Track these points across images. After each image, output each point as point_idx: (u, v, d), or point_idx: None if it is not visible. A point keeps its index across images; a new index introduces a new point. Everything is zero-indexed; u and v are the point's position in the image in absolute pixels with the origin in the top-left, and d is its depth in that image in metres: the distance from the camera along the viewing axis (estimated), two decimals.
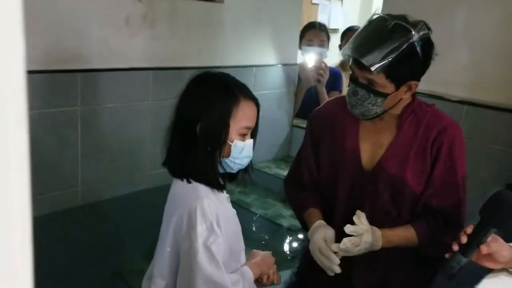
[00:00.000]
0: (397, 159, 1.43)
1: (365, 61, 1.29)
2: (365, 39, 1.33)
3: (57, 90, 2.12)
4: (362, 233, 1.34)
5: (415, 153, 1.44)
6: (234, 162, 1.26)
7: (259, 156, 3.21)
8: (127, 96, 2.39)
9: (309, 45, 3.22)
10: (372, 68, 1.29)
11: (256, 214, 2.73)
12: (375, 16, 1.38)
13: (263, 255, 1.41)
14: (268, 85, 3.16)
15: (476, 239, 1.18)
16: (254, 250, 1.44)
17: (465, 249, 1.19)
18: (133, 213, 2.31)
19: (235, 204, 2.73)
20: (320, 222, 1.50)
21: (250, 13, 2.93)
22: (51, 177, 2.18)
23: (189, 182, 1.25)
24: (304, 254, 1.84)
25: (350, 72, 1.41)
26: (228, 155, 1.24)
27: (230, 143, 1.23)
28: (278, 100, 3.26)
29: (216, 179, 1.27)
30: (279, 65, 3.21)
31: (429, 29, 1.34)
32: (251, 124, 1.26)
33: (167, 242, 1.23)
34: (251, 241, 1.56)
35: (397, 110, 1.45)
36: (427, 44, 1.34)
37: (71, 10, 2.10)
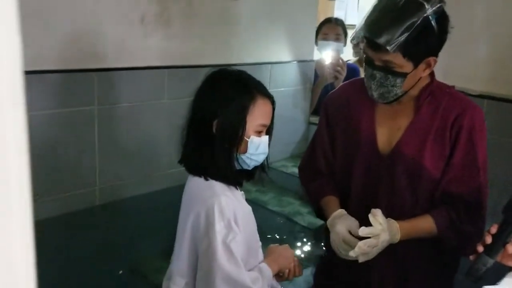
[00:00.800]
0: (415, 143, 1.39)
1: (380, 40, 1.25)
2: (378, 18, 1.29)
3: (73, 90, 2.14)
4: (378, 234, 1.31)
5: (433, 137, 1.40)
6: (250, 159, 1.26)
7: (275, 155, 3.19)
8: (143, 95, 2.39)
9: (324, 39, 3.19)
10: (388, 47, 1.24)
11: (273, 212, 2.71)
12: None
13: (280, 250, 1.40)
14: (284, 82, 3.14)
15: (501, 238, 1.14)
16: (271, 246, 1.43)
17: (490, 250, 1.15)
18: (151, 212, 2.31)
19: (252, 202, 2.73)
20: (341, 211, 1.46)
21: (265, 9, 2.91)
22: (69, 177, 2.20)
23: (206, 179, 1.25)
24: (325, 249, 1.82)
25: (364, 55, 1.37)
26: (245, 152, 1.25)
27: (247, 139, 1.23)
28: (294, 98, 3.24)
29: (233, 176, 1.27)
30: (295, 62, 3.18)
31: (442, 1, 1.29)
32: (267, 121, 1.27)
33: (185, 241, 1.24)
34: (268, 240, 1.55)
35: (415, 91, 1.40)
36: (442, 17, 1.29)
37: (87, 10, 2.11)
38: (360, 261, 1.33)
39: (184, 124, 1.30)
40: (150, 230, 2.24)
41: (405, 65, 1.30)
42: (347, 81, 1.72)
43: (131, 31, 2.29)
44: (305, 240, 2.54)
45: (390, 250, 1.44)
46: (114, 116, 2.31)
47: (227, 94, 1.23)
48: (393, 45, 1.24)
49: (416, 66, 1.32)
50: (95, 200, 2.32)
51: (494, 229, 1.16)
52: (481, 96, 2.07)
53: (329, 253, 1.78)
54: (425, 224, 1.41)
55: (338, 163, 1.58)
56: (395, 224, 1.36)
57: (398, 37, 1.23)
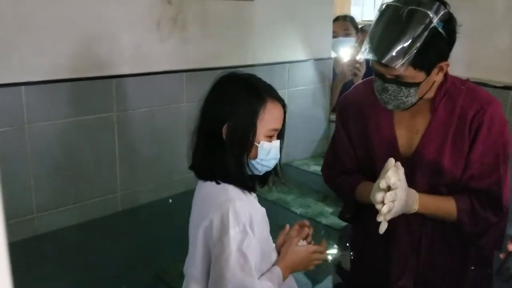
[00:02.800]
0: (434, 145, 1.38)
1: (386, 62, 1.23)
2: (382, 35, 1.26)
3: (92, 97, 2.15)
4: (398, 186, 1.26)
5: (452, 136, 1.38)
6: (261, 164, 1.23)
7: (297, 154, 3.16)
8: (161, 99, 2.40)
9: (334, 36, 3.17)
10: (396, 67, 1.23)
11: (296, 214, 2.69)
12: (384, 6, 1.30)
13: (299, 252, 1.33)
14: (302, 81, 3.11)
15: None
16: (285, 248, 1.34)
17: None
18: (173, 216, 2.31)
19: (274, 203, 2.73)
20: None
21: (281, 9, 2.89)
22: (91, 184, 2.22)
23: (218, 183, 1.23)
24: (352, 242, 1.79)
25: (374, 70, 1.34)
26: (255, 157, 1.22)
27: (257, 145, 1.20)
28: (313, 96, 3.20)
29: (245, 181, 1.24)
30: (313, 60, 3.15)
31: (446, 4, 1.26)
32: (278, 126, 1.24)
33: (198, 247, 1.21)
34: None
35: (430, 94, 1.38)
36: (449, 22, 1.27)
37: (102, 16, 2.12)
38: (385, 211, 1.25)
39: (194, 129, 1.28)
40: (172, 235, 2.23)
41: (417, 76, 1.28)
42: (360, 82, 1.70)
43: (147, 36, 2.29)
44: (329, 240, 2.51)
45: (412, 244, 1.43)
46: (133, 122, 2.32)
47: (237, 99, 1.20)
48: (400, 63, 1.22)
49: (428, 74, 1.30)
50: (117, 206, 2.33)
51: None
52: (506, 87, 2.01)
53: (354, 250, 1.75)
54: (445, 203, 1.39)
55: (360, 162, 1.56)
56: (414, 192, 1.34)
57: (405, 56, 1.22)
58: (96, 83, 2.15)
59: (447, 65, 1.32)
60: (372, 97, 1.46)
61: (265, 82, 1.26)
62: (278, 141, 1.25)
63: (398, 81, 1.28)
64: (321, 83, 3.23)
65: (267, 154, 1.22)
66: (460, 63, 1.98)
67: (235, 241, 1.13)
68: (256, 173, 1.27)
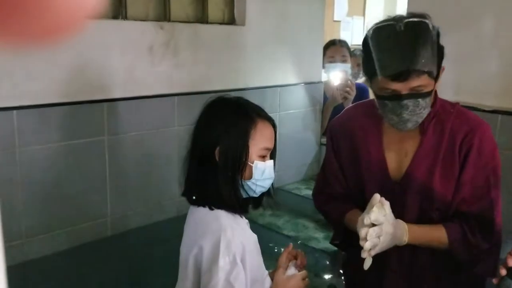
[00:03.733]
0: (425, 167, 1.38)
1: (415, 66, 1.23)
2: (394, 50, 1.27)
3: (83, 121, 2.15)
4: (382, 222, 1.26)
5: (442, 158, 1.38)
6: (256, 185, 1.23)
7: (287, 177, 3.16)
8: (152, 123, 2.40)
9: (331, 62, 3.19)
10: (425, 69, 1.24)
11: (288, 237, 2.66)
12: (372, 30, 1.32)
13: (290, 282, 1.33)
14: (293, 105, 3.13)
15: None
16: (280, 277, 1.33)
17: None
18: (163, 241, 2.28)
19: (266, 227, 2.71)
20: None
21: (272, 33, 2.93)
22: (80, 208, 2.19)
23: (211, 209, 1.21)
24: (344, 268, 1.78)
25: (385, 92, 1.31)
26: (250, 178, 1.22)
27: (251, 165, 1.21)
28: (304, 119, 3.22)
29: (239, 204, 1.24)
30: (304, 84, 3.18)
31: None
32: (270, 145, 1.25)
33: (188, 274, 1.20)
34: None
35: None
36: (439, 35, 1.31)
37: (94, 41, 2.13)
38: (367, 248, 1.26)
39: (186, 155, 1.28)
40: (163, 260, 2.20)
41: (430, 84, 1.29)
42: (350, 106, 1.72)
43: (139, 60, 2.31)
44: (321, 265, 2.49)
45: (404, 270, 1.42)
46: (124, 146, 2.31)
47: (227, 121, 1.21)
48: (426, 65, 1.24)
49: (436, 81, 1.32)
50: (107, 231, 2.30)
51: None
52: (495, 112, 2.04)
53: (347, 275, 1.73)
54: (436, 232, 1.38)
55: (350, 186, 1.56)
56: (402, 224, 1.33)
57: (427, 58, 1.24)
58: (88, 107, 2.15)
59: (443, 70, 1.35)
60: (362, 121, 1.48)
61: (253, 103, 1.28)
62: (272, 160, 1.26)
63: (414, 94, 1.28)
64: (312, 106, 3.25)
65: (262, 173, 1.22)
66: (449, 87, 2.01)
67: (224, 271, 1.13)
68: (252, 194, 1.26)
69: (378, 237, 1.25)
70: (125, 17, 2.30)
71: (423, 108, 1.31)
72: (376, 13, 5.29)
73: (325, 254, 2.48)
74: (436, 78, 1.31)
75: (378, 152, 1.46)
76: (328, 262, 2.47)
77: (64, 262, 2.11)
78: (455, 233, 1.38)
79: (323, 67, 3.27)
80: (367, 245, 1.24)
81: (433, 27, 1.27)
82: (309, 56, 3.21)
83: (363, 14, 5.37)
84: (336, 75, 3.12)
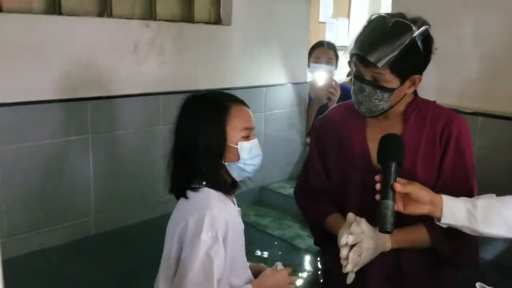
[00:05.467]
0: (407, 155, 1.39)
1: (371, 58, 1.32)
2: (368, 37, 1.36)
3: (67, 119, 2.13)
4: (361, 240, 1.31)
5: (424, 147, 1.44)
6: (246, 163, 1.30)
7: (273, 177, 3.18)
8: (138, 121, 2.39)
9: (316, 62, 3.22)
10: (379, 64, 1.31)
11: (273, 236, 2.68)
12: (373, 17, 1.41)
13: (276, 276, 1.37)
14: (279, 105, 3.15)
15: (387, 180, 1.23)
16: (267, 270, 1.39)
17: (384, 193, 1.22)
18: (148, 241, 2.27)
19: (251, 226, 2.72)
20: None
21: (257, 34, 2.94)
22: (64, 207, 2.18)
23: (197, 190, 1.28)
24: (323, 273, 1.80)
25: (355, 70, 1.43)
26: (238, 159, 1.28)
27: (236, 147, 1.27)
28: (289, 119, 3.24)
29: (223, 183, 1.31)
30: (289, 84, 3.20)
31: (428, 24, 1.37)
32: (250, 124, 1.31)
33: (173, 247, 1.25)
34: (268, 264, 1.52)
35: (401, 107, 1.47)
36: (427, 39, 1.37)
37: (79, 40, 2.13)
38: (349, 269, 1.32)
39: (169, 154, 1.33)
40: (148, 259, 2.20)
41: (393, 81, 1.37)
42: (334, 106, 1.77)
43: (124, 59, 2.30)
44: (305, 263, 2.51)
45: (388, 271, 1.45)
46: (109, 144, 2.30)
47: (202, 113, 1.29)
48: (382, 62, 1.31)
49: (402, 82, 1.38)
50: (91, 230, 2.29)
51: (379, 177, 1.25)
52: (475, 114, 2.08)
53: (326, 277, 1.75)
54: (418, 233, 1.42)
55: (334, 181, 1.60)
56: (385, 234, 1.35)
57: (387, 55, 1.31)
58: (72, 105, 2.14)
59: (420, 80, 1.41)
60: (347, 116, 1.54)
61: (225, 92, 1.36)
62: (256, 139, 1.33)
63: (375, 83, 1.37)
64: (297, 106, 3.28)
65: (249, 152, 1.29)
66: (431, 89, 2.04)
67: (205, 245, 1.18)
68: (245, 174, 1.33)
69: (360, 255, 1.30)
70: (111, 15, 2.29)
71: (379, 101, 1.39)
72: (360, 15, 5.34)
73: (309, 252, 2.50)
74: (405, 79, 1.37)
75: (361, 143, 1.51)
76: (312, 260, 2.49)
77: (47, 261, 2.09)
78: (436, 232, 1.40)
79: (308, 66, 3.29)
80: (348, 267, 1.31)
81: (423, 34, 1.33)
82: (295, 57, 3.23)
83: (348, 16, 5.42)
84: (321, 76, 3.15)
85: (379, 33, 1.34)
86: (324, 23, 5.03)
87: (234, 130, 1.28)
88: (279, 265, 1.43)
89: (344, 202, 1.54)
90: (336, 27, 5.16)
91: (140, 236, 2.35)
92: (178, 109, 1.34)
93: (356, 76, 1.42)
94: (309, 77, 3.32)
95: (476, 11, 2.10)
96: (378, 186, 1.25)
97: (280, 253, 2.61)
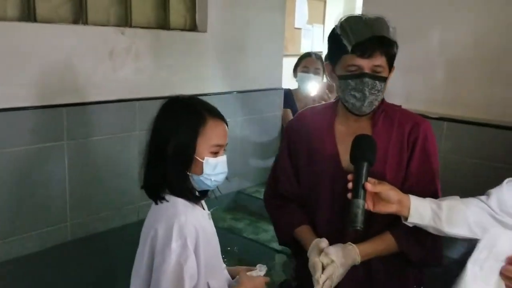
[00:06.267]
0: (376, 157, 1.44)
1: (384, 33, 1.39)
2: (368, 24, 1.42)
3: (42, 126, 2.13)
4: (331, 273, 1.35)
5: (392, 149, 1.49)
6: (210, 179, 1.30)
7: (248, 181, 3.22)
8: (114, 128, 2.40)
9: (304, 71, 3.29)
10: (390, 40, 1.40)
11: (248, 239, 2.72)
12: (344, 19, 1.48)
13: (254, 282, 1.40)
14: (254, 110, 3.19)
15: (359, 179, 1.28)
16: (243, 275, 1.42)
17: (355, 192, 1.27)
18: (124, 246, 2.28)
19: (227, 230, 2.75)
20: (316, 242, 1.47)
21: (233, 40, 2.98)
22: (39, 213, 2.17)
23: (167, 201, 1.29)
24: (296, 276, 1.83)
25: (351, 68, 1.43)
26: (201, 173, 1.28)
27: (202, 161, 1.27)
28: (264, 125, 3.29)
29: (191, 192, 1.32)
30: (264, 90, 3.25)
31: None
32: (222, 141, 1.31)
33: (144, 257, 1.26)
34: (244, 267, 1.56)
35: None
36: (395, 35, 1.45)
37: (54, 46, 2.13)
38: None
39: (143, 151, 1.35)
40: (123, 265, 2.21)
41: (386, 70, 1.45)
42: (304, 109, 1.80)
43: (100, 65, 2.31)
44: (281, 265, 2.55)
45: (357, 275, 1.48)
46: (85, 150, 2.30)
47: (178, 118, 1.29)
48: (392, 45, 1.41)
49: (390, 70, 1.46)
50: (67, 236, 2.29)
51: (351, 176, 1.30)
52: (441, 119, 2.16)
53: (298, 282, 1.78)
54: (385, 244, 1.47)
55: (304, 185, 1.63)
56: (354, 249, 1.42)
57: (392, 37, 1.41)
58: (47, 112, 2.14)
59: (393, 69, 1.48)
60: (317, 119, 1.58)
61: (205, 102, 1.35)
62: (225, 156, 1.33)
63: (374, 75, 1.42)
64: (272, 112, 3.33)
65: (213, 169, 1.29)
66: (399, 95, 2.11)
67: (175, 253, 1.20)
68: (206, 188, 1.34)
69: (331, 284, 1.36)
70: (86, 22, 2.30)
71: (378, 91, 1.44)
72: (335, 22, 5.43)
73: (285, 254, 2.54)
74: (391, 67, 1.45)
75: (331, 146, 1.55)
76: (287, 262, 2.53)
77: (23, 268, 2.08)
78: (402, 238, 1.46)
79: (295, 75, 3.37)
80: None
81: (393, 28, 1.43)
82: (270, 63, 3.29)
83: (323, 22, 5.50)
84: (314, 86, 3.23)
85: (366, 23, 1.42)
86: (300, 29, 5.11)
87: (205, 144, 1.28)
88: (261, 267, 1.45)
89: (316, 201, 1.58)
90: (311, 33, 5.24)
91: (116, 241, 2.35)
92: (158, 109, 1.34)
93: (356, 74, 1.42)
94: (294, 85, 3.40)
95: (442, 21, 2.18)
96: (350, 185, 1.29)
97: (256, 255, 2.64)
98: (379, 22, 1.42)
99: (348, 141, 1.50)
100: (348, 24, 1.44)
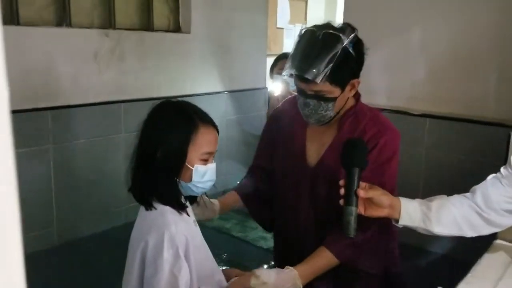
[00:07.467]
0: (335, 156, 1.46)
1: (308, 76, 1.37)
2: (302, 54, 1.41)
3: (26, 130, 2.12)
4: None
5: None
6: (197, 186, 1.29)
7: (235, 181, 3.22)
8: (99, 130, 2.40)
9: (279, 73, 3.31)
10: (317, 80, 1.36)
11: (237, 238, 2.73)
12: (303, 31, 1.46)
13: (239, 282, 1.40)
14: (239, 110, 3.21)
15: (351, 185, 1.26)
16: (234, 280, 1.40)
17: (348, 199, 1.26)
18: (112, 249, 2.28)
19: (215, 230, 2.76)
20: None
21: (217, 41, 2.99)
22: (24, 218, 2.14)
23: (155, 208, 1.27)
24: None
25: (296, 87, 1.47)
26: (190, 180, 1.28)
27: (191, 168, 1.26)
28: (250, 124, 3.31)
29: (177, 201, 1.29)
30: (249, 90, 3.27)
31: (355, 29, 1.44)
32: (212, 149, 1.30)
33: (135, 268, 1.24)
34: (233, 266, 1.57)
35: (341, 113, 1.53)
36: (358, 44, 1.43)
37: (37, 48, 2.12)
38: None
39: (132, 155, 1.33)
40: (111, 268, 2.20)
41: (334, 91, 1.43)
42: (288, 97, 1.82)
43: (85, 67, 2.31)
44: (270, 264, 2.57)
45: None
46: (70, 153, 2.29)
47: (169, 123, 1.26)
48: (320, 77, 1.37)
49: (343, 89, 1.45)
50: (54, 240, 2.28)
51: (343, 182, 1.29)
52: (423, 116, 2.20)
53: (276, 261, 1.81)
54: (322, 259, 1.46)
55: (277, 172, 1.68)
56: (293, 272, 1.40)
57: (323, 70, 1.37)
58: (31, 115, 2.12)
59: (358, 83, 1.48)
60: (294, 112, 1.60)
61: (197, 108, 1.33)
62: (214, 164, 1.32)
63: (318, 96, 1.43)
64: (257, 111, 3.35)
65: (202, 176, 1.28)
66: (382, 93, 2.15)
67: (168, 263, 1.18)
68: (192, 194, 1.33)
69: None
70: (70, 25, 2.30)
71: (325, 111, 1.46)
72: (317, 21, 5.47)
73: (272, 253, 2.56)
74: (344, 86, 1.44)
75: (300, 142, 1.60)
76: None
77: None
78: (340, 250, 1.45)
79: (271, 77, 3.38)
80: None
81: (352, 41, 1.40)
82: (254, 63, 3.31)
83: (305, 22, 5.54)
84: (277, 86, 3.25)
85: (311, 48, 1.39)
86: (282, 29, 5.14)
87: (195, 151, 1.26)
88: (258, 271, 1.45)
89: (281, 190, 1.63)
90: (293, 33, 5.27)
91: (104, 244, 2.35)
92: (148, 112, 1.32)
93: (299, 92, 1.46)
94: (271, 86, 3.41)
95: (423, 20, 2.22)
96: (342, 191, 1.28)
97: (243, 255, 2.66)
98: (328, 42, 1.38)
99: (317, 139, 1.58)
100: (297, 45, 1.44)
